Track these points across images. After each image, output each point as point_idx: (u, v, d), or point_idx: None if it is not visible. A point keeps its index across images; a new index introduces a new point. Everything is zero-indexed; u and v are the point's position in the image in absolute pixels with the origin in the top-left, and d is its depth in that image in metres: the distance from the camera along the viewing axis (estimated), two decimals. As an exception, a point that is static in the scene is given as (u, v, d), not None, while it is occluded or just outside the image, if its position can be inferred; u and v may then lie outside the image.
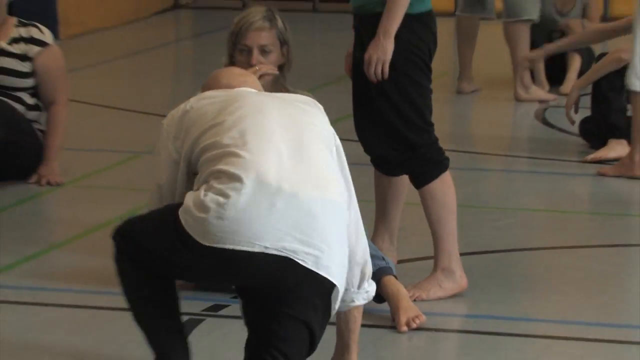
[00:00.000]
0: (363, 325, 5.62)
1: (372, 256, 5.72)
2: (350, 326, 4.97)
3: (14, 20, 8.12)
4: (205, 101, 4.78)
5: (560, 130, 8.85)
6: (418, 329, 5.62)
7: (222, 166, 4.53)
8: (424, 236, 6.51)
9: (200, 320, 5.61)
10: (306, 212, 4.51)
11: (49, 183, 7.90)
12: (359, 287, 4.79)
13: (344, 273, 4.64)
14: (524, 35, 10.50)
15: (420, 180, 5.95)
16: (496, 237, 6.99)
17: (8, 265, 6.50)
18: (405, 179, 6.18)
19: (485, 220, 7.17)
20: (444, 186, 5.96)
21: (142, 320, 4.82)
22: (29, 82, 8.02)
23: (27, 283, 6.28)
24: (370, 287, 4.84)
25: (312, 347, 4.62)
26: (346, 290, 4.71)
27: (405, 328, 5.61)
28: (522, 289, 6.30)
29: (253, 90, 4.98)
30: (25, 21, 8.17)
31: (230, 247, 4.47)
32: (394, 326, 5.64)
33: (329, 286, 4.56)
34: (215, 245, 4.48)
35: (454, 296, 6.01)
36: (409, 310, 5.65)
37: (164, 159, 4.78)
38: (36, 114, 8.08)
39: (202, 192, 4.51)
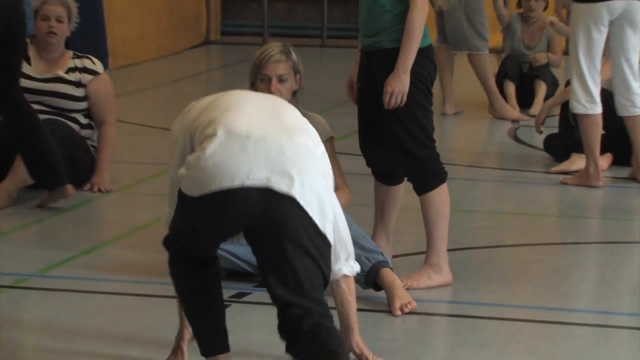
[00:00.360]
0: (363, 310, 5.60)
1: (372, 251, 5.73)
2: (347, 310, 4.89)
3: (70, 53, 8.10)
4: (203, 100, 4.75)
5: (529, 146, 8.84)
6: (410, 313, 5.59)
7: (202, 132, 4.50)
8: (415, 236, 6.52)
9: (226, 306, 5.57)
10: (276, 150, 4.41)
11: (100, 190, 7.87)
12: (346, 260, 4.72)
13: (321, 207, 4.51)
14: (485, 62, 10.46)
15: (422, 188, 5.92)
16: (475, 236, 6.98)
17: (66, 259, 6.48)
18: (400, 188, 6.16)
19: (466, 222, 7.14)
20: (442, 195, 5.93)
21: (193, 315, 4.73)
22: (82, 105, 7.99)
23: (81, 274, 6.25)
24: (355, 265, 4.77)
25: (324, 278, 4.49)
26: (337, 260, 4.65)
27: (399, 312, 5.59)
28: (498, 279, 6.26)
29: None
30: (79, 54, 8.15)
31: (214, 188, 4.39)
32: (389, 311, 5.61)
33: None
34: (203, 193, 4.43)
35: (440, 286, 5.98)
36: (402, 297, 5.62)
37: (175, 153, 4.72)
38: (89, 132, 8.05)
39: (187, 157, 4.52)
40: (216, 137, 4.43)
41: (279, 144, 4.44)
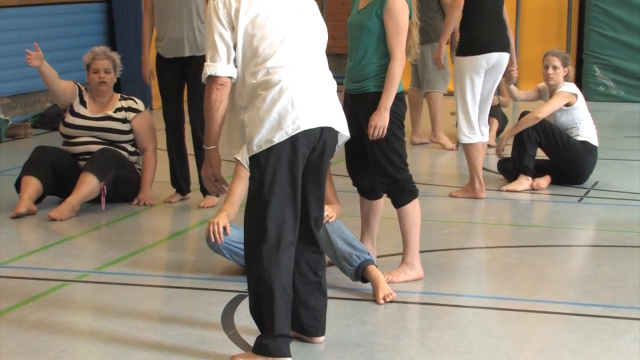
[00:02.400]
0: (353, 299, 5.65)
1: (361, 251, 5.76)
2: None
3: (118, 95, 8.10)
4: None
5: (486, 169, 8.84)
6: (391, 302, 5.61)
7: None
8: (394, 240, 6.52)
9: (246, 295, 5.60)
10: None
11: (145, 204, 7.87)
12: None
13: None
14: (439, 100, 10.47)
15: (399, 203, 5.94)
16: (441, 241, 6.95)
17: (117, 259, 6.49)
18: (381, 202, 6.18)
19: (434, 229, 7.13)
20: (414, 208, 5.95)
21: (277, 305, 4.59)
22: (129, 137, 7.99)
23: (129, 270, 6.25)
24: None
25: None
26: None
27: (382, 301, 5.59)
28: (460, 275, 6.28)
29: None
30: (126, 96, 8.16)
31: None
32: (374, 300, 5.62)
33: None
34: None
35: (414, 280, 6.00)
36: (384, 289, 5.64)
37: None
38: (135, 158, 8.06)
39: None
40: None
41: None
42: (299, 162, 4.59)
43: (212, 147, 4.69)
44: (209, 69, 4.62)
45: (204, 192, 7.86)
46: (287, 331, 4.64)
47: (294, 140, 4.56)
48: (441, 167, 9.85)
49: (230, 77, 4.63)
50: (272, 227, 4.56)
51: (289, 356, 4.64)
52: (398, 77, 5.78)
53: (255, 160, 4.60)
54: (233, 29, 4.61)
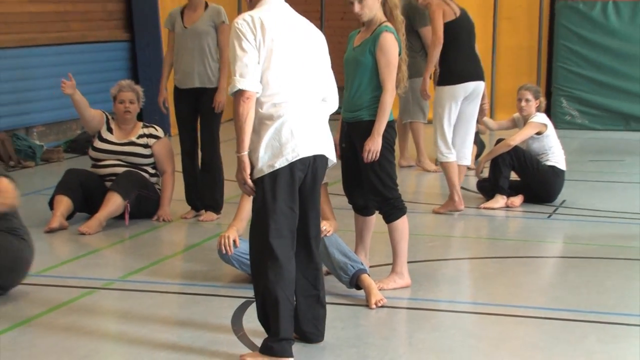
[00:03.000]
0: (347, 304, 5.63)
1: (355, 261, 5.74)
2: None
3: (140, 124, 8.10)
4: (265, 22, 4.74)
5: (465, 189, 8.83)
6: (382, 307, 5.60)
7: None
8: (385, 252, 6.50)
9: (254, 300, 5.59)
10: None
11: (164, 220, 7.85)
12: None
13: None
14: (420, 129, 10.45)
15: (389, 219, 5.93)
16: (426, 252, 6.93)
17: (139, 268, 6.48)
18: (373, 218, 6.17)
19: (420, 243, 7.13)
20: (403, 224, 5.95)
21: (281, 312, 4.62)
22: (150, 161, 7.99)
23: (149, 279, 6.25)
24: None
25: None
26: None
27: (374, 306, 5.59)
28: (443, 283, 6.26)
29: None
30: (148, 124, 8.16)
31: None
32: (367, 305, 5.61)
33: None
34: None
35: (403, 288, 5.98)
36: (376, 295, 5.63)
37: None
38: (156, 179, 8.04)
39: None
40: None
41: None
42: (295, 184, 4.65)
43: (242, 153, 4.63)
44: (238, 83, 4.55)
45: (195, 207, 7.98)
46: (290, 335, 4.66)
47: (292, 166, 4.61)
48: (425, 187, 9.83)
49: (256, 92, 4.60)
50: (274, 243, 4.57)
51: (292, 356, 4.65)
52: (389, 106, 5.78)
53: (259, 183, 4.62)
54: (257, 50, 4.61)
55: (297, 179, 4.66)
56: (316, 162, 4.73)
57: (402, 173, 10.10)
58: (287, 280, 4.61)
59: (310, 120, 4.72)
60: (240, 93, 4.57)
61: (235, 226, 5.91)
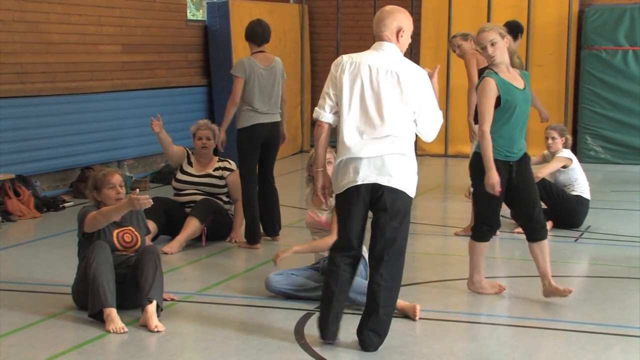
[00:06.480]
0: (353, 313, 5.57)
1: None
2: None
3: (216, 158, 8.17)
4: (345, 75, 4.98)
5: (502, 216, 8.68)
6: (426, 319, 5.53)
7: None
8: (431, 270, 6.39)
9: (314, 313, 5.59)
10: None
11: (235, 242, 7.89)
12: None
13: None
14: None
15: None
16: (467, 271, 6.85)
17: (214, 284, 6.50)
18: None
19: (463, 263, 7.04)
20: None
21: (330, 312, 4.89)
22: (224, 190, 8.04)
23: (223, 293, 6.26)
24: None
25: None
26: None
27: (416, 318, 5.54)
28: (482, 297, 6.17)
29: None
30: (222, 158, 8.23)
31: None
32: (412, 318, 5.56)
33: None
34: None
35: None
36: (410, 307, 5.57)
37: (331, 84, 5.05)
38: (229, 206, 8.08)
39: None
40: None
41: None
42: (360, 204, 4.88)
43: (319, 169, 4.98)
44: (315, 113, 4.93)
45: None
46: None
47: (359, 188, 4.84)
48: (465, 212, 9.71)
49: (329, 124, 4.90)
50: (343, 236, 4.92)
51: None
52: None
53: (337, 198, 4.95)
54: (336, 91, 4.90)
55: (362, 199, 4.97)
56: (376, 188, 4.95)
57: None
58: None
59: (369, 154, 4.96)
60: (317, 120, 4.99)
61: (295, 247, 5.98)
